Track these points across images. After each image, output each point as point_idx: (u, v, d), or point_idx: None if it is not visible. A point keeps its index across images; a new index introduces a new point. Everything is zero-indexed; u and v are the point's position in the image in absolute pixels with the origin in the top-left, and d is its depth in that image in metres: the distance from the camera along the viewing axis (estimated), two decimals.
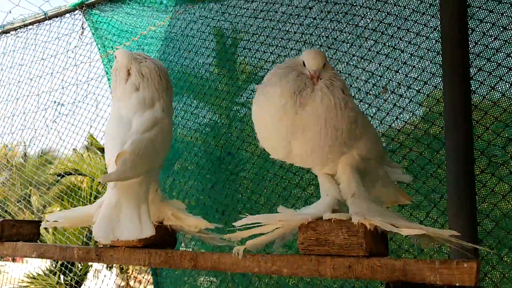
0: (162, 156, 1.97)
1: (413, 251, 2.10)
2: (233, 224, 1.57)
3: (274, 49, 2.66)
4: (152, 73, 2.06)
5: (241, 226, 1.54)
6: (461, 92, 2.02)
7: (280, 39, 2.64)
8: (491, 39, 2.07)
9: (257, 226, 1.55)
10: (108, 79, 3.50)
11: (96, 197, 7.66)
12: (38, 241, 2.55)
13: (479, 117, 2.05)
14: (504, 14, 2.04)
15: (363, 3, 2.38)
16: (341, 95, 1.44)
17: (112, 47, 3.48)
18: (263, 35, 2.69)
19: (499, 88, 2.06)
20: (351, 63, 2.39)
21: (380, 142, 1.57)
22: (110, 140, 1.88)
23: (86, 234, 6.56)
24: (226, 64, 2.83)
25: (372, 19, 2.37)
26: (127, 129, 1.90)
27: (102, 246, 2.06)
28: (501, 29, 2.05)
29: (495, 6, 2.06)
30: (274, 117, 1.46)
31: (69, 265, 6.52)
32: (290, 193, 2.62)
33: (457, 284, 1.33)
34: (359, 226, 1.45)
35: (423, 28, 2.24)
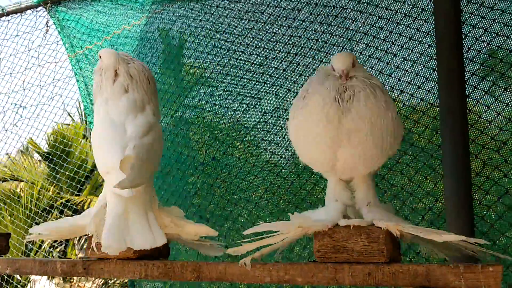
0: (158, 162, 1.87)
1: (408, 254, 2.11)
2: (244, 232, 1.49)
3: (261, 51, 2.62)
4: (141, 75, 1.95)
5: (248, 234, 1.47)
6: (457, 95, 2.05)
7: (267, 41, 2.60)
8: (484, 44, 2.12)
9: (262, 236, 1.49)
10: (77, 81, 3.32)
11: (36, 204, 7.30)
12: (8, 255, 2.37)
13: (473, 121, 2.09)
14: (496, 20, 2.10)
15: (354, 7, 2.38)
16: (381, 94, 1.39)
17: (81, 46, 3.30)
18: (249, 37, 2.64)
19: (493, 93, 2.11)
20: None
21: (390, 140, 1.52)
22: (106, 144, 1.76)
23: (26, 245, 6.16)
24: (210, 65, 2.76)
25: (363, 22, 2.37)
26: (122, 133, 1.79)
27: (87, 258, 1.93)
28: (494, 35, 2.10)
29: (487, 13, 2.11)
30: (318, 126, 1.38)
31: (5, 276, 6.16)
32: (280, 198, 2.57)
33: None
34: (380, 232, 1.41)
35: (415, 32, 2.26)
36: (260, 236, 1.48)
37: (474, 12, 2.10)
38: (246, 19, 2.67)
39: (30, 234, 1.86)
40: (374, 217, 1.45)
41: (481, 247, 1.36)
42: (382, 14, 2.32)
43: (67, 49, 3.36)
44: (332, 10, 2.44)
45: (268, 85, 2.62)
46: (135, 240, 1.63)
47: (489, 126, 2.07)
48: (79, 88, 3.22)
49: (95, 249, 1.80)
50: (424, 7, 2.25)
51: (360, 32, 2.37)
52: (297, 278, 1.56)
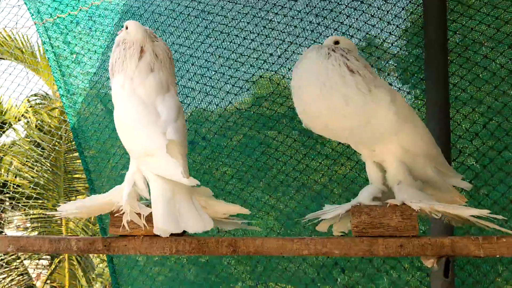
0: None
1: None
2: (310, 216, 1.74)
3: (256, 37, 2.69)
4: (165, 55, 1.97)
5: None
6: (442, 91, 2.34)
7: (263, 28, 2.69)
8: (463, 49, 2.42)
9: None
10: (47, 51, 3.12)
11: None
12: None
13: (453, 114, 2.41)
14: (475, 29, 2.41)
15: (348, 3, 2.55)
16: (348, 60, 1.62)
17: (51, 14, 3.08)
18: (244, 21, 2.70)
19: (469, 90, 2.44)
20: None
21: (429, 141, 1.72)
22: (143, 125, 1.77)
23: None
24: (201, 46, 2.77)
25: (357, 19, 2.56)
26: (155, 113, 1.81)
27: (110, 236, 1.93)
28: (472, 41, 2.42)
29: (467, 21, 2.41)
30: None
31: None
32: (273, 178, 2.71)
33: (498, 255, 1.61)
34: (412, 210, 1.63)
35: (404, 32, 2.50)
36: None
37: (456, 20, 2.40)
38: (240, 4, 2.73)
39: (60, 211, 1.83)
40: (404, 196, 1.66)
41: (490, 223, 1.62)
42: (375, 13, 2.53)
43: (32, 15, 3.13)
44: (327, 4, 2.60)
45: (263, 70, 2.73)
46: (188, 223, 1.69)
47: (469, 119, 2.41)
48: (48, 59, 3.03)
49: (126, 226, 1.82)
50: (413, 11, 2.50)
51: (353, 28, 2.56)
52: (335, 251, 1.74)
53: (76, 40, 3.05)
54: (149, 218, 1.86)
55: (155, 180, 1.74)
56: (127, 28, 1.91)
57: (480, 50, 2.41)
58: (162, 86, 1.92)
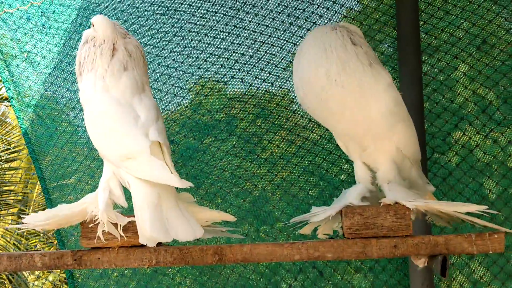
0: None
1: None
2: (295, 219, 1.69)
3: (226, 36, 2.60)
4: (138, 52, 1.85)
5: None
6: (416, 91, 2.35)
7: (233, 27, 2.59)
8: (435, 49, 2.47)
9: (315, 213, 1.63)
10: None
11: None
12: None
13: (426, 113, 2.43)
14: (445, 30, 2.46)
15: (320, 3, 2.52)
16: (353, 36, 1.63)
17: None
18: (213, 20, 2.60)
19: (440, 90, 2.48)
20: None
21: (417, 145, 1.73)
22: (122, 126, 1.63)
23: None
24: (168, 45, 2.63)
25: (329, 19, 2.54)
26: (134, 114, 1.68)
27: (80, 249, 1.77)
28: (442, 42, 2.47)
29: (437, 22, 2.45)
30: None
31: None
32: (247, 182, 2.62)
33: (490, 252, 1.60)
34: (406, 209, 1.59)
35: (377, 33, 2.50)
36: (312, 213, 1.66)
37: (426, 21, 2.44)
38: (210, 2, 2.62)
39: (26, 223, 1.64)
40: (397, 196, 1.63)
41: (480, 220, 1.62)
42: (347, 14, 2.52)
43: None
44: (300, 4, 2.56)
45: (234, 70, 2.64)
46: (178, 231, 1.57)
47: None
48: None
49: (101, 238, 1.67)
50: (385, 11, 2.51)
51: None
52: (327, 254, 1.67)
53: (27, 38, 2.82)
54: (125, 228, 1.72)
55: (138, 185, 1.60)
56: (93, 25, 1.77)
57: (450, 51, 2.47)
58: (138, 86, 1.80)
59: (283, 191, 2.73)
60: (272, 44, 2.60)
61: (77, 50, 1.83)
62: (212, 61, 2.66)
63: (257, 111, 2.66)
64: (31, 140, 2.72)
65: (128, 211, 1.80)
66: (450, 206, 1.58)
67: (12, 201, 7.99)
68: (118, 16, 2.70)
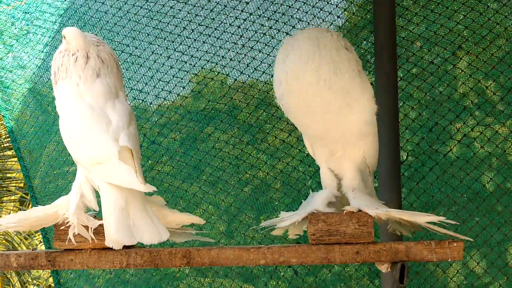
0: None
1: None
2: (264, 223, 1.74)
3: (207, 39, 2.62)
4: (111, 59, 1.89)
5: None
6: (391, 96, 2.39)
7: (214, 30, 2.62)
8: (410, 54, 2.50)
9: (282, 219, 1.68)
10: None
11: None
12: None
13: (401, 118, 2.47)
14: (422, 35, 2.49)
15: (300, 7, 2.55)
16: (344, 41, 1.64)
17: None
18: (194, 22, 2.62)
19: (416, 95, 2.52)
20: None
21: (377, 157, 1.77)
22: (93, 132, 1.68)
23: None
24: (149, 47, 2.65)
25: (309, 22, 2.56)
26: (105, 120, 1.72)
27: (54, 250, 1.81)
28: (419, 48, 2.50)
29: (414, 27, 2.48)
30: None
31: None
32: (226, 182, 2.67)
33: (449, 260, 1.65)
34: (368, 217, 1.63)
35: (355, 37, 2.53)
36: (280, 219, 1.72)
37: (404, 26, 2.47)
38: (191, 5, 2.63)
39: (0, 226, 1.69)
40: (361, 204, 1.68)
41: (441, 228, 1.67)
42: (327, 18, 2.55)
43: None
44: (279, 7, 2.58)
45: (214, 72, 2.67)
46: (144, 235, 1.61)
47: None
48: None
49: (72, 240, 1.72)
50: (363, 16, 2.53)
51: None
52: (292, 259, 1.72)
53: (11, 37, 2.84)
54: (97, 231, 1.77)
55: (107, 188, 1.65)
56: (65, 37, 1.81)
57: (426, 56, 2.50)
58: (111, 92, 1.83)
59: (282, 180, 2.76)
60: (251, 48, 2.63)
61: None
62: (193, 63, 2.69)
63: (257, 101, 2.69)
64: (16, 138, 2.75)
65: (101, 214, 1.85)
66: (411, 216, 1.62)
67: (13, 188, 8.04)
68: (101, 17, 2.72)
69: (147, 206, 1.68)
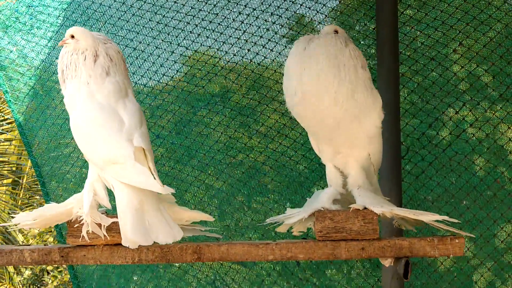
0: None
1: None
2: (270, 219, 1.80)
3: (210, 34, 2.64)
4: (118, 57, 1.91)
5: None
6: (393, 91, 2.43)
7: (217, 24, 2.63)
8: (412, 50, 2.54)
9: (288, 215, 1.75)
10: None
11: None
12: None
13: (402, 113, 2.52)
14: (423, 32, 2.53)
15: (302, 3, 2.57)
16: (348, 43, 1.67)
17: None
18: (198, 17, 2.63)
19: (417, 91, 2.57)
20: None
21: (381, 155, 1.82)
22: (107, 131, 1.71)
23: None
24: (152, 42, 2.67)
25: (311, 19, 2.59)
26: (118, 119, 1.75)
27: (68, 245, 1.86)
28: (420, 44, 2.54)
29: (416, 23, 2.52)
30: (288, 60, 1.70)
31: None
32: (217, 177, 2.72)
33: (451, 256, 1.72)
34: (373, 214, 1.69)
35: (358, 33, 2.56)
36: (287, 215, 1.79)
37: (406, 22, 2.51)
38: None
39: (16, 224, 1.73)
40: (366, 201, 1.73)
41: (444, 224, 1.73)
42: (330, 13, 2.57)
43: None
44: (282, 3, 2.61)
45: (218, 67, 2.69)
46: (159, 234, 1.66)
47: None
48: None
49: (86, 237, 1.76)
50: (366, 12, 2.57)
51: (308, 28, 2.59)
52: (299, 255, 1.78)
53: (15, 30, 2.83)
54: (109, 228, 1.81)
55: (122, 189, 1.69)
56: (73, 36, 1.83)
57: (427, 52, 2.54)
58: (121, 90, 1.86)
59: (273, 161, 2.82)
60: (255, 43, 2.66)
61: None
62: (197, 58, 2.72)
63: (250, 83, 2.72)
64: (25, 132, 2.78)
65: (113, 211, 1.89)
66: (415, 214, 1.68)
67: (6, 172, 8.04)
68: (104, 11, 2.72)
69: (160, 206, 1.72)
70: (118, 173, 1.67)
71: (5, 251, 1.93)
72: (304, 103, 1.69)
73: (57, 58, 2.82)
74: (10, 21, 2.81)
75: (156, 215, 1.68)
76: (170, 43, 2.78)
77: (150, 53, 2.81)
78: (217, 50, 2.76)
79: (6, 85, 2.79)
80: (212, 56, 2.77)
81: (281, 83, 2.82)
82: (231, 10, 2.72)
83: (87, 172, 1.84)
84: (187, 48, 2.73)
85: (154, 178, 1.65)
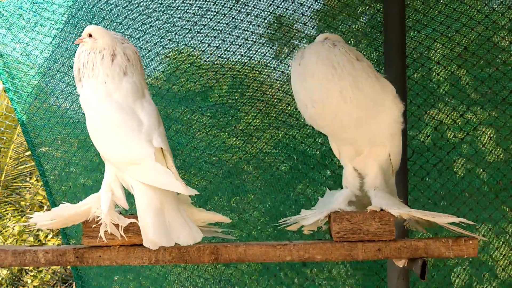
0: None
1: None
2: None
3: (218, 34, 2.64)
4: (135, 57, 1.91)
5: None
6: (400, 95, 2.47)
7: (225, 25, 2.63)
8: (418, 54, 2.59)
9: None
10: None
11: None
12: None
13: (408, 116, 2.57)
14: (429, 36, 2.58)
15: (311, 4, 2.59)
16: (351, 50, 1.71)
17: None
18: (206, 17, 2.63)
19: (423, 94, 2.62)
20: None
21: (401, 155, 1.85)
22: (126, 131, 1.70)
23: None
24: (160, 41, 2.65)
25: (319, 20, 2.61)
26: (137, 120, 1.75)
27: (82, 246, 1.84)
28: (426, 48, 2.59)
29: (422, 28, 2.56)
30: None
31: None
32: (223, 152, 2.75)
33: (465, 256, 1.75)
34: (390, 216, 1.72)
35: (365, 37, 2.59)
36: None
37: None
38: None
39: (35, 224, 1.71)
40: (382, 203, 1.76)
41: (459, 228, 1.76)
42: (336, 17, 2.60)
43: None
44: (291, 5, 2.62)
45: (226, 68, 2.70)
46: (180, 235, 1.66)
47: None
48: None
49: (103, 238, 1.75)
50: (373, 14, 2.60)
51: (317, 31, 2.62)
52: (317, 256, 1.80)
53: (18, 27, 2.79)
54: (126, 228, 1.80)
55: (142, 189, 1.69)
56: (91, 35, 1.82)
57: (433, 56, 2.59)
58: (138, 90, 1.86)
59: (257, 161, 2.83)
60: (262, 44, 2.67)
61: (71, 43, 1.86)
62: (205, 59, 2.72)
63: (232, 82, 2.73)
64: (29, 132, 2.74)
65: (128, 211, 1.88)
66: (432, 216, 1.71)
67: None
68: (111, 9, 2.70)
69: (180, 206, 1.72)
70: (139, 174, 1.67)
71: (18, 252, 1.91)
72: (316, 112, 1.73)
73: (61, 56, 2.82)
74: (14, 18, 2.77)
75: (176, 215, 1.69)
76: (146, 42, 2.78)
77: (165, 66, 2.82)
78: (203, 52, 2.76)
79: (8, 83, 2.75)
80: (197, 57, 2.77)
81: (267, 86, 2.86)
82: (216, 13, 2.74)
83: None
84: (163, 47, 2.74)
85: (177, 179, 1.64)
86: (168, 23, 2.78)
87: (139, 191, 1.68)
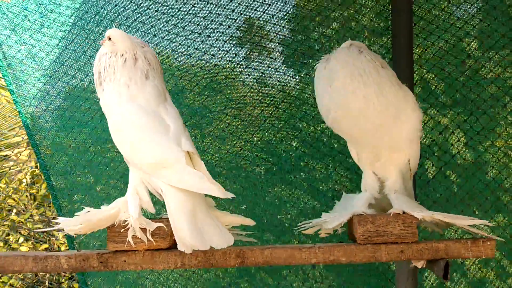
0: None
1: None
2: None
3: (220, 36, 2.65)
4: (156, 61, 1.94)
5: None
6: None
7: (227, 27, 2.66)
8: (424, 61, 2.67)
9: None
10: None
11: None
12: None
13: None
14: (434, 43, 2.65)
15: (320, 11, 2.64)
16: (362, 50, 1.77)
17: None
18: (199, 17, 2.63)
19: (430, 100, 2.70)
20: None
21: (418, 159, 1.91)
22: (153, 135, 1.71)
23: None
24: (162, 42, 2.64)
25: (329, 26, 2.67)
26: (163, 123, 1.77)
27: (106, 251, 1.83)
28: (432, 55, 2.66)
29: (428, 35, 2.64)
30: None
31: None
32: None
33: (483, 257, 1.82)
34: (412, 218, 1.78)
35: (372, 44, 2.66)
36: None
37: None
38: (212, 4, 2.64)
39: (64, 229, 1.69)
40: (403, 206, 1.82)
41: (477, 230, 1.83)
42: (343, 13, 2.64)
43: None
44: (296, 9, 2.66)
45: (228, 70, 2.72)
46: (213, 239, 1.68)
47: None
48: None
49: (131, 242, 1.75)
50: (380, 23, 2.66)
51: (325, 35, 2.66)
52: (341, 258, 1.84)
53: (23, 29, 2.75)
54: (152, 232, 1.81)
55: (173, 193, 1.70)
56: (110, 39, 1.82)
57: (438, 63, 2.67)
58: (160, 94, 1.87)
59: (230, 164, 2.84)
60: (264, 46, 2.71)
61: (79, 45, 1.85)
62: (205, 60, 2.73)
63: (206, 83, 2.73)
64: (33, 134, 2.70)
65: (153, 215, 1.88)
66: (455, 219, 1.77)
67: None
68: (120, 12, 2.69)
69: (209, 210, 1.74)
70: (170, 177, 1.68)
71: (40, 257, 1.89)
72: (339, 117, 1.78)
73: (68, 59, 2.78)
74: (19, 19, 2.72)
75: (207, 219, 1.71)
76: None
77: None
78: (173, 50, 2.74)
79: (13, 85, 2.70)
80: (168, 56, 2.78)
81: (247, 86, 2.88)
82: (187, 12, 2.74)
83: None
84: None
85: (211, 183, 1.66)
86: (138, 21, 2.78)
87: (171, 195, 1.69)
